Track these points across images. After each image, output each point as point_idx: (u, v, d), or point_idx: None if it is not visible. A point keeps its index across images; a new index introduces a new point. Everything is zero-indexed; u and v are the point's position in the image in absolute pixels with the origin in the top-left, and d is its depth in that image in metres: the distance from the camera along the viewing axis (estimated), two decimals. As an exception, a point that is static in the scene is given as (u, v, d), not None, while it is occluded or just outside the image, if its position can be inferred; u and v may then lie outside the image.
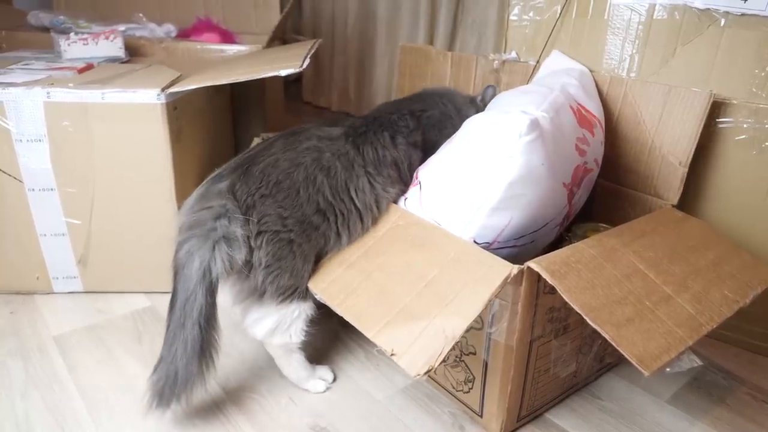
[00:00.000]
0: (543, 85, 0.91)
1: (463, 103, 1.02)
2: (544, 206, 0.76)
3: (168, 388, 0.72)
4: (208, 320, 0.72)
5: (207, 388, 0.78)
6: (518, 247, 0.78)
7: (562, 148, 0.78)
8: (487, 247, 0.75)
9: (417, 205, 0.81)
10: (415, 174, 0.88)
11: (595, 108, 0.94)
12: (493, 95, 1.03)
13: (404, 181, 0.87)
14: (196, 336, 0.71)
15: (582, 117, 0.87)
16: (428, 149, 0.90)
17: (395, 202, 0.85)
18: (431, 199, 0.79)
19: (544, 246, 0.84)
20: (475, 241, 0.74)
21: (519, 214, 0.73)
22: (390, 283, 0.72)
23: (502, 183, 0.71)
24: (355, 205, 0.80)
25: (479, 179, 0.73)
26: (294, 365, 0.84)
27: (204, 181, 0.79)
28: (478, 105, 1.03)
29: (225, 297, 0.78)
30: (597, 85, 1.01)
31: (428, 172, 0.84)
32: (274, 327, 0.79)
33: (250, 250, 0.74)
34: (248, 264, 0.75)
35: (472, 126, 0.82)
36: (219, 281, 0.73)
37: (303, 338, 0.81)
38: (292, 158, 0.79)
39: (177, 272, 0.73)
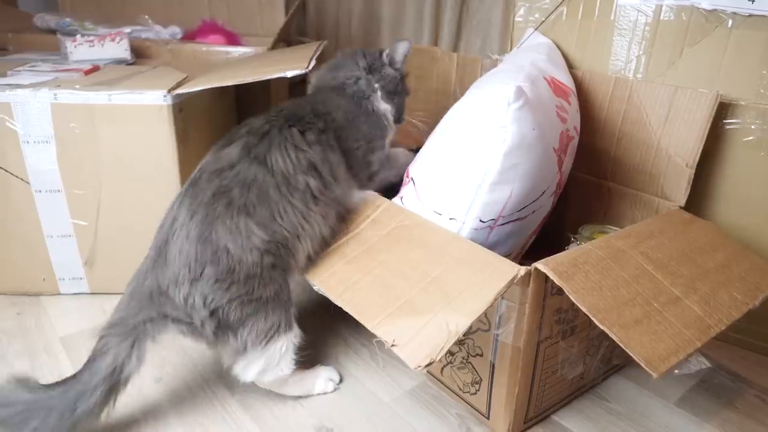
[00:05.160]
0: (512, 64, 0.91)
1: (366, 73, 0.95)
2: (541, 172, 0.76)
3: None
4: (89, 415, 0.68)
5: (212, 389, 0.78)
6: (522, 220, 0.78)
7: (547, 114, 0.79)
8: (493, 224, 0.75)
9: (415, 201, 0.81)
10: (405, 173, 0.88)
11: (565, 79, 0.95)
12: (406, 49, 0.97)
13: (333, 197, 0.79)
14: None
15: (556, 87, 0.88)
16: (345, 151, 0.85)
17: (326, 223, 0.79)
18: (428, 190, 0.79)
19: (544, 216, 0.85)
20: (480, 220, 0.74)
21: (519, 185, 0.73)
22: (393, 279, 0.71)
23: (498, 155, 0.71)
24: (287, 230, 0.75)
25: (474, 157, 0.73)
26: (295, 385, 0.82)
27: (133, 277, 0.76)
28: (383, 62, 0.96)
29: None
30: (602, 86, 1.01)
31: (418, 165, 0.84)
32: (264, 368, 0.76)
33: (217, 324, 0.72)
34: (221, 337, 0.73)
35: (455, 110, 0.82)
36: (129, 380, 0.70)
37: (294, 367, 0.79)
38: (203, 218, 0.71)
39: (87, 361, 0.70)
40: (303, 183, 0.77)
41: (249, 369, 0.76)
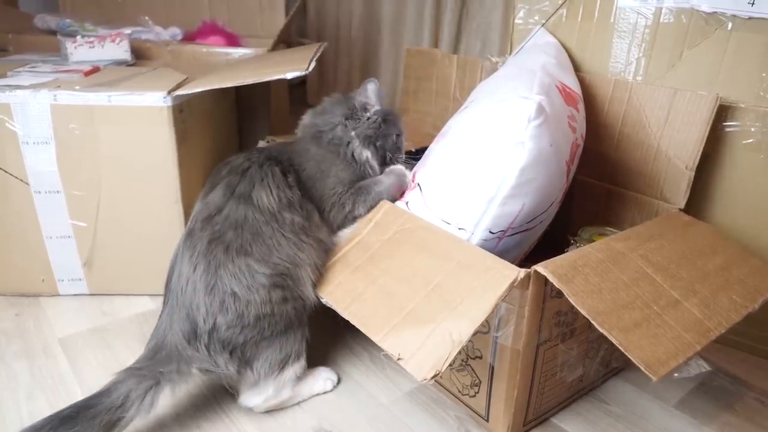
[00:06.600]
0: (523, 68, 0.90)
1: (343, 123, 0.90)
2: (552, 186, 0.77)
3: None
4: None
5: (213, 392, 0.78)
6: (530, 231, 0.78)
7: (560, 127, 0.79)
8: (502, 235, 0.75)
9: (422, 207, 0.80)
10: (411, 176, 0.87)
11: (573, 84, 0.95)
12: (375, 89, 0.92)
13: (315, 237, 0.80)
14: None
15: (567, 95, 0.87)
16: (319, 198, 0.84)
17: (317, 254, 0.79)
18: (436, 199, 0.79)
19: (547, 224, 0.85)
20: (490, 232, 0.74)
21: (531, 198, 0.73)
22: (396, 287, 0.72)
23: (514, 170, 0.71)
24: (286, 261, 0.75)
25: (489, 170, 0.73)
26: (296, 395, 0.82)
27: (152, 335, 0.75)
28: (356, 108, 0.92)
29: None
30: (601, 88, 1.01)
31: (426, 173, 0.83)
32: (271, 396, 0.78)
33: (238, 362, 0.73)
34: (243, 373, 0.74)
35: (468, 119, 0.82)
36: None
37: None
38: (206, 269, 0.72)
39: (98, 392, 0.68)
40: (289, 218, 0.78)
41: (257, 396, 0.78)
